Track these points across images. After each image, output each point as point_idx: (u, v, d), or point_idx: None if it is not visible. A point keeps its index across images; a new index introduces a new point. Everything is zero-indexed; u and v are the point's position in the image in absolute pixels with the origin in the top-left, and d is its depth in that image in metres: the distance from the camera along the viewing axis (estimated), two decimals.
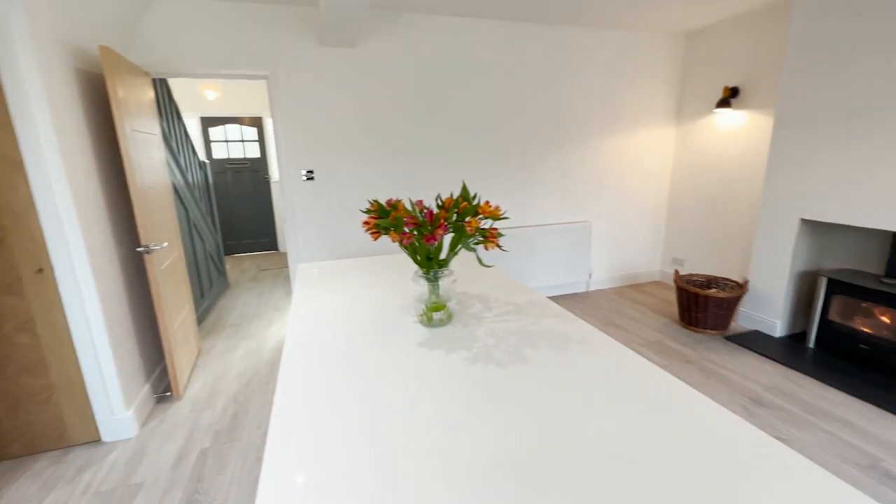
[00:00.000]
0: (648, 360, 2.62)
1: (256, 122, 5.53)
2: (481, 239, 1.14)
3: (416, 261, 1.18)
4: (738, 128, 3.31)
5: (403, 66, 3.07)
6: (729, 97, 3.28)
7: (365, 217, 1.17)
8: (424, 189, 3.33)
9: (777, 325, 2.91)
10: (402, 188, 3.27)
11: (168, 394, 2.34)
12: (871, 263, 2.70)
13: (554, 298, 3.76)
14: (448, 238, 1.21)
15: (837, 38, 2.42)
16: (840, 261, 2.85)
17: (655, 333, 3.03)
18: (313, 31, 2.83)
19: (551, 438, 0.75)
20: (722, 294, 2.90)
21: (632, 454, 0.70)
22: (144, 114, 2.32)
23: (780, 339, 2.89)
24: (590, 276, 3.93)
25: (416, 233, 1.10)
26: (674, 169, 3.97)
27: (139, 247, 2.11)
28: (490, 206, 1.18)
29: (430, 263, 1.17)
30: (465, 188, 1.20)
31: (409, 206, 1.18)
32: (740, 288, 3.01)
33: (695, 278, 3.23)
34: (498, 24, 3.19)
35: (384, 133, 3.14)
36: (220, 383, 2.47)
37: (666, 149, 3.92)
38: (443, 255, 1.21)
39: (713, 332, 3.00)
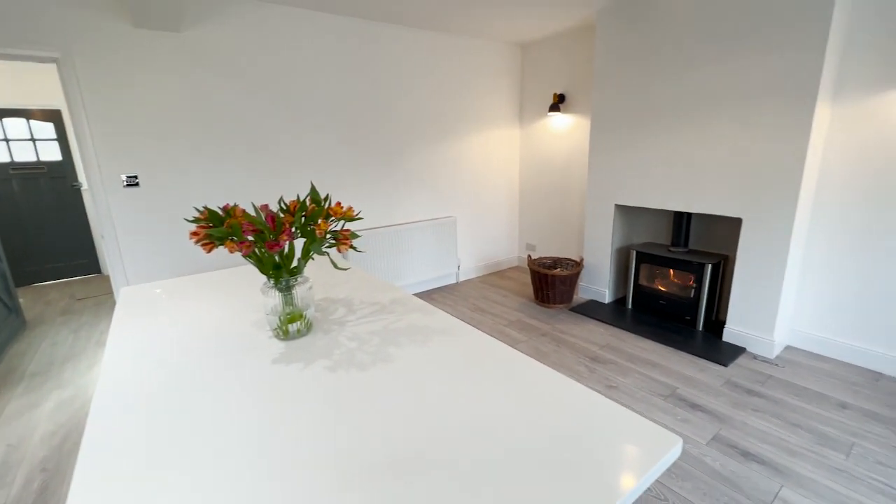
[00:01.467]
0: (511, 337, 2.92)
1: (53, 117, 4.40)
2: (333, 242, 1.10)
3: (262, 271, 1.08)
4: (567, 129, 3.87)
5: (245, 58, 2.78)
6: (558, 102, 3.80)
7: (193, 227, 1.02)
8: (277, 194, 3.09)
9: (606, 293, 3.51)
10: (249, 193, 2.97)
11: None
12: (662, 236, 3.44)
13: (427, 292, 3.89)
14: (301, 243, 1.14)
15: (628, 57, 3.00)
16: (644, 236, 3.56)
17: (516, 313, 3.37)
18: (123, 9, 2.37)
19: (416, 432, 0.76)
20: (565, 272, 3.37)
21: (491, 430, 0.76)
22: None
23: (609, 304, 3.49)
24: (458, 267, 4.16)
25: (257, 241, 1.01)
26: (521, 165, 4.45)
27: None
28: (342, 207, 1.15)
29: (280, 272, 1.09)
30: (313, 189, 1.14)
31: (252, 212, 1.07)
32: (578, 265, 3.53)
33: (544, 260, 3.69)
34: (350, 20, 3.11)
35: (225, 132, 2.81)
36: (19, 452, 1.92)
37: (513, 147, 4.37)
38: (296, 262, 1.14)
39: (561, 305, 3.47)
